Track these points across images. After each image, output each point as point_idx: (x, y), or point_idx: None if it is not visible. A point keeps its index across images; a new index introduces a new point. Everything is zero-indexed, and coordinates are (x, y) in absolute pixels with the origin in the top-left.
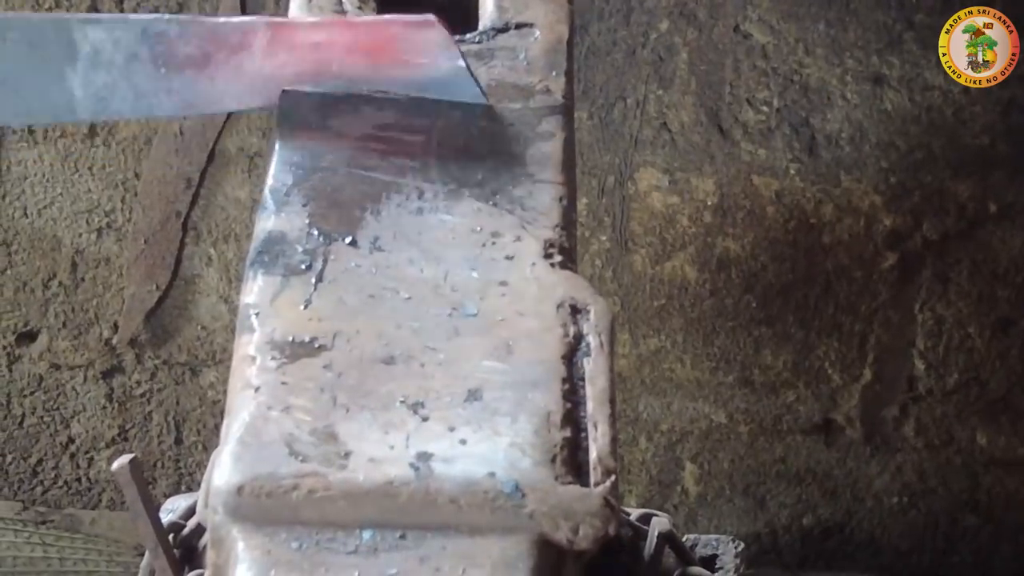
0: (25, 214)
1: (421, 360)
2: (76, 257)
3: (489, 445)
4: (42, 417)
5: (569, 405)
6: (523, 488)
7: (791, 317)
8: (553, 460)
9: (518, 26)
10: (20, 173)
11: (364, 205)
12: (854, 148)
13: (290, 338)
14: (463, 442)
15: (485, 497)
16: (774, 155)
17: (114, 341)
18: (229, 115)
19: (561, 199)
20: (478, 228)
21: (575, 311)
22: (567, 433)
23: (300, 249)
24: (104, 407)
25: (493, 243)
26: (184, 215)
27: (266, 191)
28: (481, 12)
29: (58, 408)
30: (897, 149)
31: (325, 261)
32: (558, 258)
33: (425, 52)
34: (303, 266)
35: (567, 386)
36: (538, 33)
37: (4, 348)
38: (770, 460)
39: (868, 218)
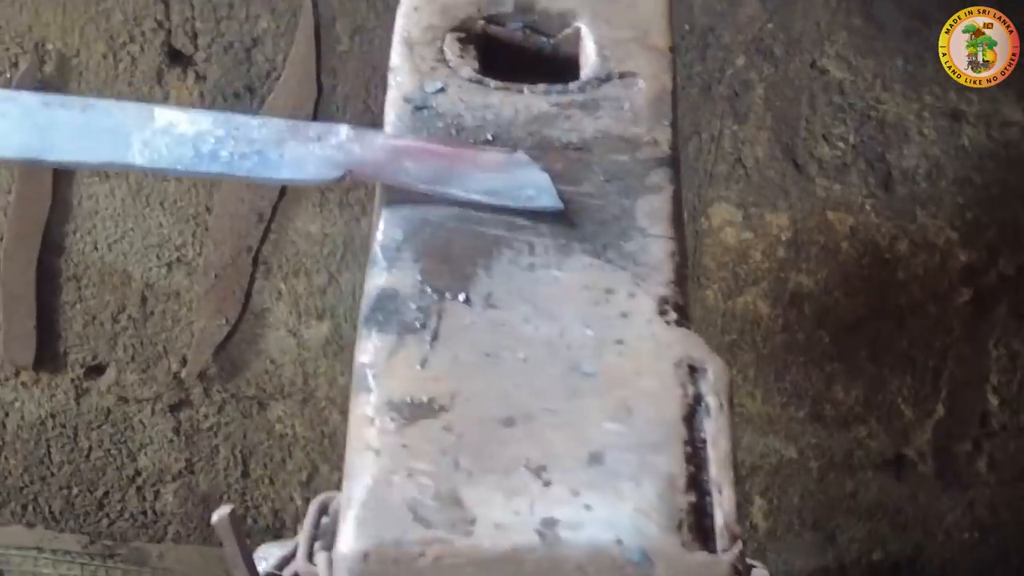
0: (95, 248)
1: (541, 421)
2: (146, 291)
3: (614, 510)
4: (109, 450)
5: (692, 468)
6: (651, 555)
7: (863, 352)
8: (679, 526)
9: (621, 76)
10: (91, 208)
11: (475, 260)
12: (930, 184)
13: (408, 399)
14: (588, 507)
15: (613, 565)
16: (849, 190)
17: (182, 375)
18: None
19: (673, 254)
20: (591, 284)
21: (693, 370)
22: (691, 498)
23: (414, 306)
24: (171, 440)
25: (607, 300)
26: (255, 249)
27: (376, 246)
28: (583, 61)
29: (125, 441)
30: (974, 185)
31: (439, 318)
32: (673, 315)
33: (501, 165)
34: (418, 324)
35: (689, 449)
36: (642, 83)
37: (72, 382)
38: (840, 495)
39: (943, 253)
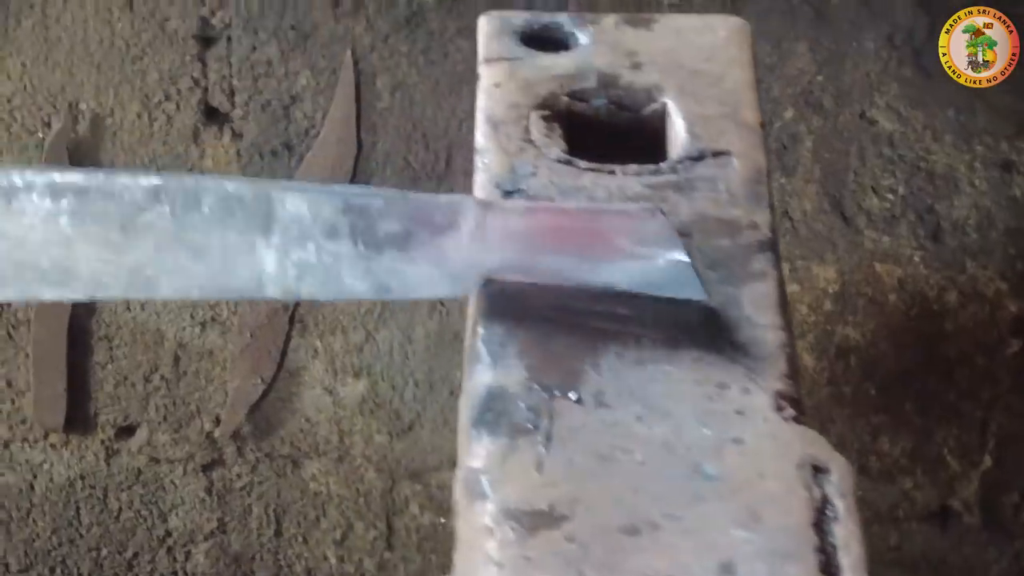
0: (128, 308)
1: (666, 529)
2: (179, 351)
3: None
4: (139, 511)
5: None
6: None
7: (910, 404)
8: None
9: (714, 154)
10: None
11: (582, 356)
12: (980, 235)
13: (527, 507)
14: None
15: None
16: (898, 242)
17: (215, 434)
18: None
19: (784, 346)
20: (703, 379)
21: (816, 471)
22: None
23: (523, 406)
24: (203, 500)
25: (721, 396)
26: (291, 308)
27: (478, 342)
28: (671, 139)
29: (156, 502)
30: None
31: (551, 419)
32: (790, 411)
33: (643, 245)
34: (529, 425)
35: (822, 557)
36: (736, 162)
37: (103, 443)
38: (884, 547)
39: (993, 304)
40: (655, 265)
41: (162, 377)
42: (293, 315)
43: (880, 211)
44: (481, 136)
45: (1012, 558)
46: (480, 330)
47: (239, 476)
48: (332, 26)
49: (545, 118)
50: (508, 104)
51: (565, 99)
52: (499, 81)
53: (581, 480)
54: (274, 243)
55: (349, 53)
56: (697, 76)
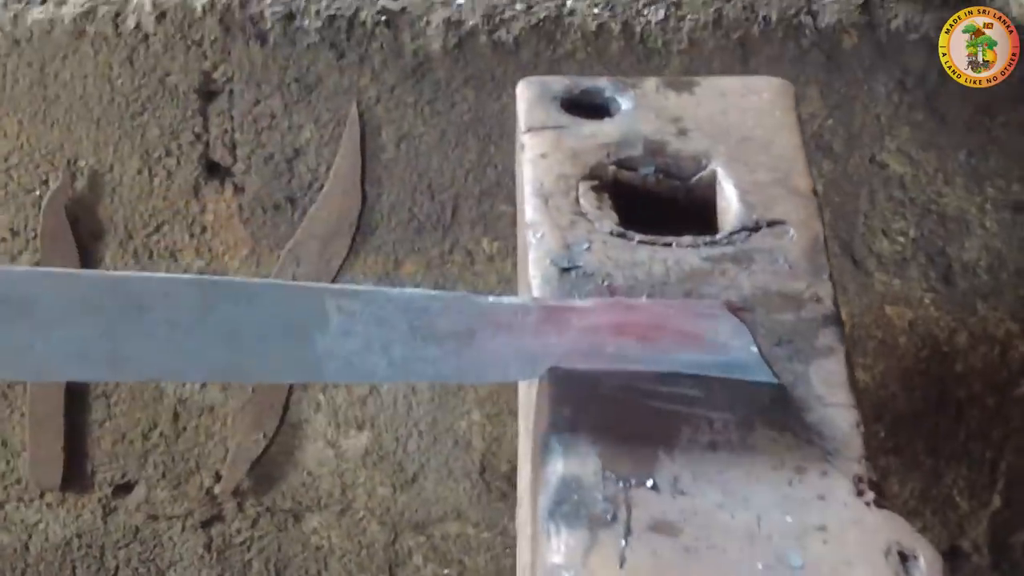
0: None
1: None
2: (179, 407)
3: None
4: (136, 569)
5: None
6: None
7: (920, 445)
8: None
9: (770, 224)
10: None
11: (654, 440)
12: (992, 276)
13: None
14: None
15: None
16: (909, 285)
17: (215, 490)
18: (346, 258)
19: (858, 424)
20: (779, 463)
21: (903, 558)
22: None
23: (600, 496)
24: (202, 556)
25: (799, 480)
26: None
27: (547, 428)
28: (723, 209)
29: (154, 559)
30: None
31: (629, 509)
32: (870, 495)
33: (710, 338)
34: (608, 516)
35: None
36: (792, 232)
37: (100, 501)
38: None
39: (1003, 345)
40: (724, 355)
41: (161, 434)
42: None
43: (891, 254)
44: (531, 209)
45: None
46: (548, 416)
47: (239, 531)
48: (336, 78)
49: (594, 188)
50: (556, 175)
51: (612, 168)
52: (545, 151)
53: (667, 574)
54: (330, 337)
55: (354, 105)
56: (745, 142)
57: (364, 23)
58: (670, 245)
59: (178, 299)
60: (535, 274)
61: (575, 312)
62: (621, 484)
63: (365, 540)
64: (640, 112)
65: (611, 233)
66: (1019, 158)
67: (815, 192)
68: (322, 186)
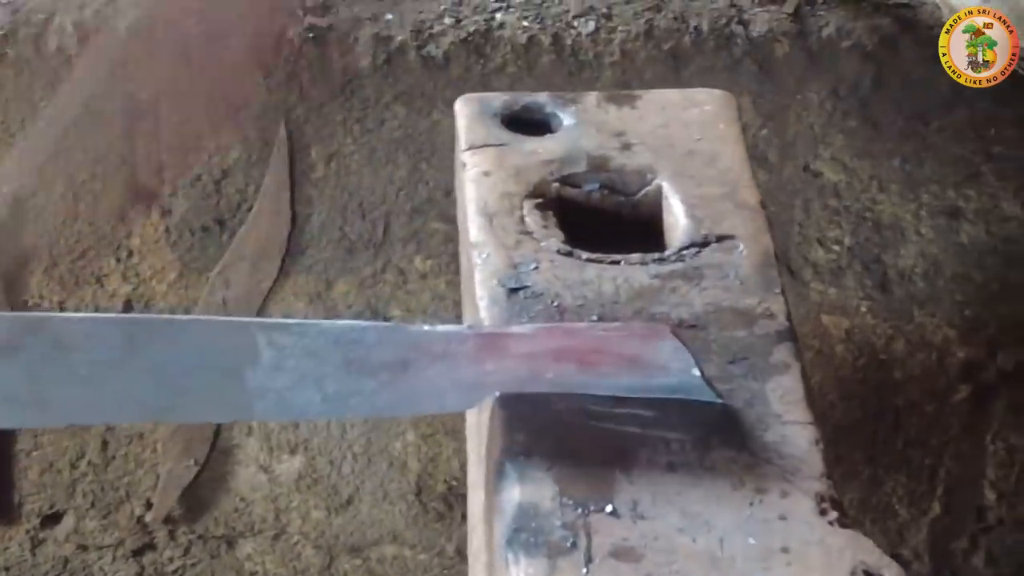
0: None
1: None
2: (107, 435)
3: None
4: None
5: None
6: None
7: (859, 454)
8: None
9: (719, 239)
10: None
11: (611, 463)
12: (928, 283)
13: None
14: None
15: None
16: (845, 293)
17: (147, 519)
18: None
19: (817, 442)
20: (739, 483)
21: None
22: None
23: (558, 523)
24: None
25: (760, 501)
26: None
27: (500, 455)
28: (670, 224)
29: None
30: (972, 282)
31: (588, 536)
32: (833, 514)
33: (651, 361)
34: (567, 543)
35: None
36: (742, 246)
37: (27, 532)
38: None
39: (941, 352)
40: (665, 378)
41: (89, 462)
42: None
43: (826, 263)
44: (476, 229)
45: None
46: (501, 442)
47: (171, 560)
48: (264, 97)
49: (539, 206)
50: (500, 193)
51: (556, 185)
52: (488, 169)
53: None
54: (260, 373)
55: (282, 124)
56: (690, 156)
57: (291, 40)
58: (618, 263)
59: (101, 339)
60: (482, 295)
61: (512, 339)
62: (579, 510)
63: (300, 565)
64: (582, 127)
65: (558, 252)
66: (953, 164)
67: (763, 205)
68: (251, 207)
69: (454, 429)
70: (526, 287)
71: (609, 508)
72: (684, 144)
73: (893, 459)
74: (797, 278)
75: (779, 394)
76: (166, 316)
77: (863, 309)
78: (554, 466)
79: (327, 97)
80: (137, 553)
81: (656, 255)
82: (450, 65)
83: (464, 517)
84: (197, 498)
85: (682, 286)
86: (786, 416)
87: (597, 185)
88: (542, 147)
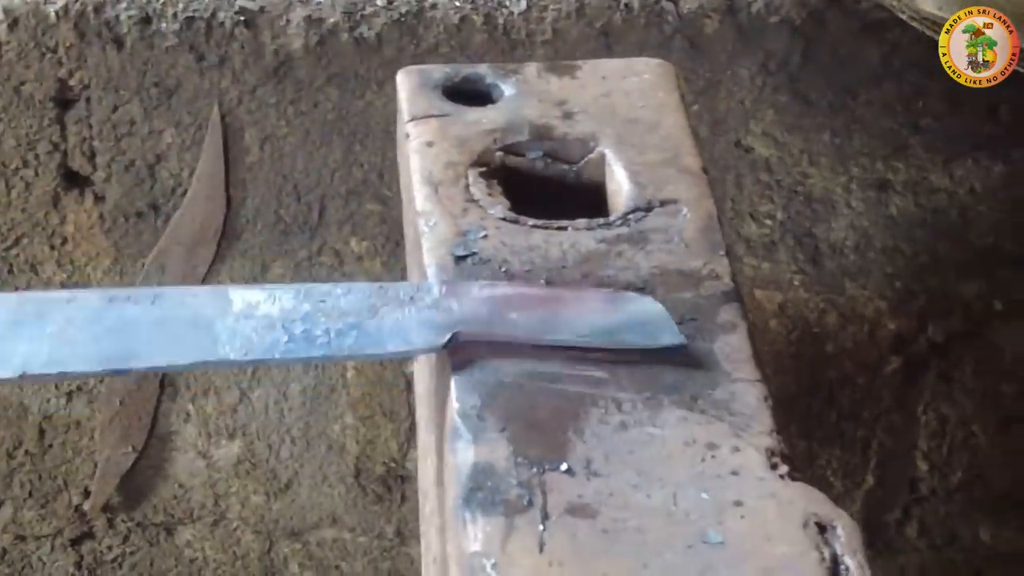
0: None
1: None
2: (44, 424)
3: None
4: None
5: None
6: None
7: (793, 429)
8: None
9: (663, 203)
10: None
11: (564, 424)
12: (859, 256)
13: None
14: None
15: None
16: (778, 268)
17: (85, 507)
18: (212, 264)
19: (766, 398)
20: (690, 440)
21: (822, 529)
22: None
23: (514, 482)
24: (73, 575)
25: (712, 456)
26: (161, 373)
27: (455, 416)
28: (614, 191)
29: None
30: (903, 254)
31: (544, 494)
32: (784, 468)
33: (617, 305)
34: (523, 502)
35: None
36: (686, 210)
37: None
38: None
39: (872, 324)
40: (626, 313)
41: (26, 452)
42: (163, 379)
43: (759, 237)
44: (422, 198)
45: (897, 574)
46: (455, 404)
47: (110, 548)
48: (197, 81)
49: (483, 175)
50: (445, 163)
51: (500, 154)
52: (432, 140)
53: (588, 558)
54: (230, 321)
55: (215, 107)
56: (632, 123)
57: (223, 24)
58: (565, 228)
59: (78, 302)
60: (430, 263)
61: (477, 286)
62: (534, 469)
63: (240, 550)
64: (523, 98)
65: (504, 219)
66: (882, 137)
67: (705, 170)
68: (185, 192)
69: (392, 411)
70: (474, 254)
71: (564, 467)
72: (625, 112)
73: (827, 432)
74: (730, 253)
75: (727, 353)
76: (147, 287)
77: (796, 283)
78: (508, 427)
79: (260, 80)
80: (76, 542)
81: (601, 220)
82: (383, 46)
83: (404, 499)
84: (135, 485)
85: (628, 250)
86: (735, 374)
87: (540, 153)
88: (484, 117)
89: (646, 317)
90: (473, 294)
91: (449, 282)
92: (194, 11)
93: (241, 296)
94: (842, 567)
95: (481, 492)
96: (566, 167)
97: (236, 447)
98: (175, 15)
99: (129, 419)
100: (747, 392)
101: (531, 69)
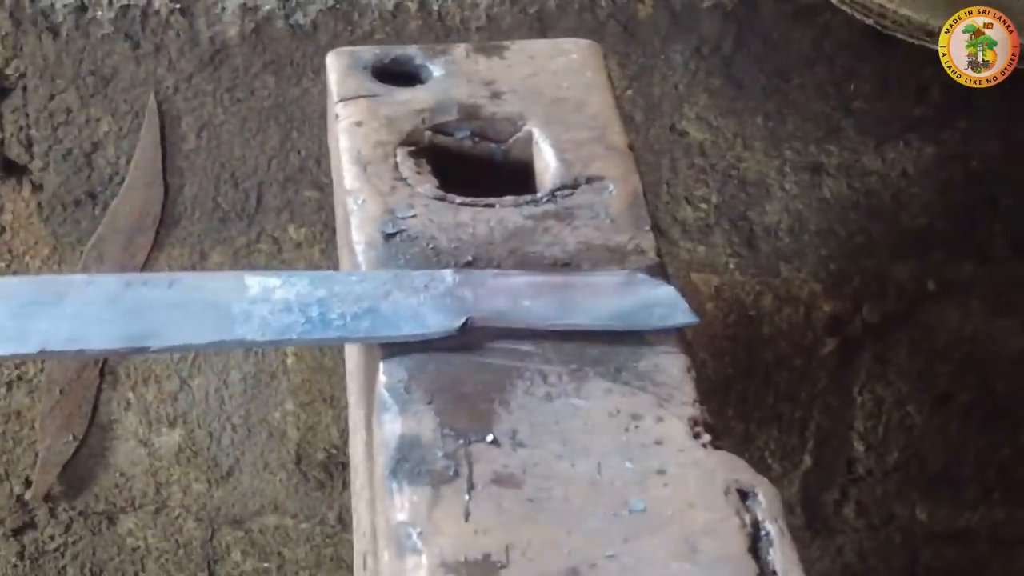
0: None
1: (606, 569)
2: None
3: None
4: None
5: None
6: None
7: (731, 411)
8: None
9: (589, 180)
10: None
11: (490, 396)
12: (793, 238)
13: (463, 557)
14: None
15: None
16: (713, 251)
17: (26, 497)
18: (151, 252)
19: (689, 369)
20: (615, 411)
21: (743, 495)
22: None
23: (440, 453)
24: (15, 566)
25: (636, 427)
26: (101, 361)
27: (382, 389)
28: (541, 169)
29: None
30: (836, 236)
31: (470, 465)
32: (706, 437)
33: (629, 289)
34: (450, 472)
35: None
36: (612, 187)
37: None
38: None
39: (807, 306)
40: (638, 296)
41: None
42: (103, 368)
43: (694, 221)
44: (351, 177)
45: (835, 554)
46: (383, 378)
47: (52, 538)
48: (133, 69)
49: (412, 154)
50: (374, 142)
51: (428, 133)
52: (361, 119)
53: (512, 525)
54: (247, 304)
55: (152, 95)
56: (559, 102)
57: (158, 12)
58: (492, 206)
59: (97, 285)
60: (359, 240)
61: (491, 275)
62: (461, 440)
63: (182, 538)
64: (452, 78)
65: (432, 197)
66: (815, 120)
67: (631, 147)
68: (123, 180)
69: (332, 397)
70: (402, 231)
71: (490, 438)
72: (553, 92)
73: (764, 414)
74: (666, 237)
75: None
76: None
77: (731, 266)
78: (435, 400)
79: (196, 68)
80: (17, 532)
81: (528, 197)
82: (318, 33)
83: (345, 485)
84: (77, 474)
85: (555, 226)
86: (659, 346)
87: (469, 133)
88: (414, 97)
89: (659, 299)
90: (487, 282)
91: (463, 271)
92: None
93: (257, 281)
94: (763, 532)
95: (408, 463)
96: (494, 146)
97: (177, 435)
98: (110, 3)
99: (70, 408)
100: (671, 364)
101: (460, 50)
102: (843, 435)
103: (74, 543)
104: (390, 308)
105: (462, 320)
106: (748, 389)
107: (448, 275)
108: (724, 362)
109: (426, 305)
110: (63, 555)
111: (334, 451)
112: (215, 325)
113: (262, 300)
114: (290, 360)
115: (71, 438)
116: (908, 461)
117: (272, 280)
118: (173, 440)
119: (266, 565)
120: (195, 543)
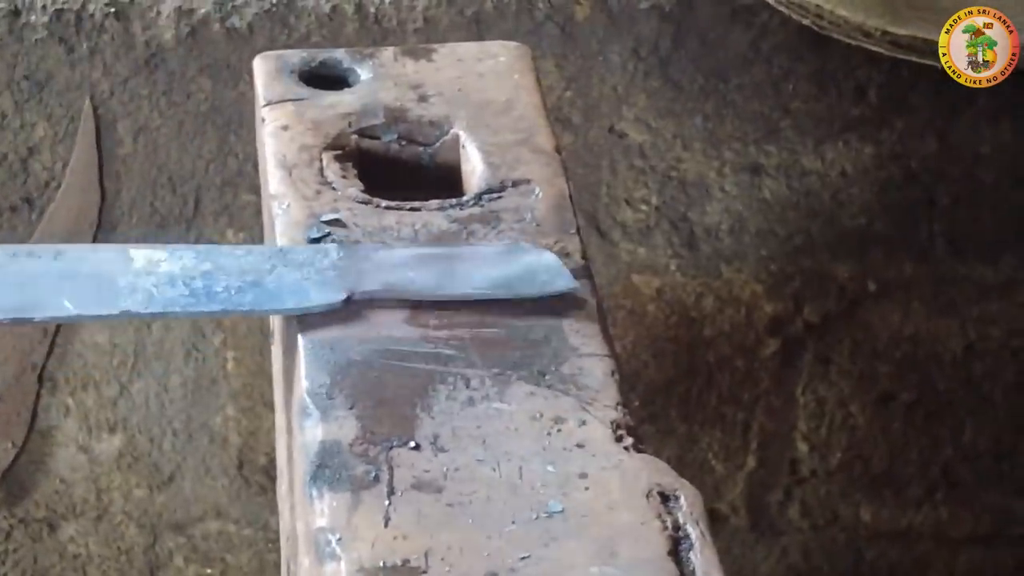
0: None
1: (524, 573)
2: None
3: None
4: None
5: None
6: None
7: (674, 412)
8: None
9: (515, 183)
10: None
11: (413, 401)
12: (734, 239)
13: (380, 563)
14: None
15: None
16: (654, 252)
17: None
18: None
19: (613, 372)
20: (538, 415)
21: (664, 498)
22: None
23: (361, 459)
24: None
25: (558, 430)
26: (40, 366)
27: (303, 395)
28: (468, 172)
29: None
30: (776, 236)
31: (391, 470)
32: (629, 440)
33: (512, 257)
34: (370, 477)
35: None
36: (538, 190)
37: None
38: None
39: (749, 307)
40: (520, 263)
41: None
42: (42, 374)
43: (634, 223)
44: (275, 181)
45: (780, 555)
46: (304, 383)
47: None
48: (68, 73)
49: (338, 158)
50: (299, 146)
51: (355, 137)
52: (286, 123)
53: (432, 530)
54: (131, 276)
55: (87, 99)
56: (486, 105)
57: (93, 16)
58: (418, 209)
59: None
60: (281, 244)
61: (374, 247)
62: (382, 446)
63: (124, 545)
64: (379, 81)
65: (357, 201)
66: (753, 120)
67: (558, 150)
68: (59, 185)
69: (273, 401)
70: (327, 235)
71: (411, 443)
72: (480, 94)
73: (707, 415)
74: (606, 239)
75: (575, 328)
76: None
77: (672, 267)
78: (356, 405)
79: (132, 71)
80: None
81: (454, 201)
82: (254, 36)
83: None
84: (16, 481)
85: (480, 229)
86: (583, 349)
87: (395, 136)
88: (340, 101)
89: (540, 266)
90: (371, 256)
91: (347, 245)
92: (64, 3)
93: (143, 254)
94: (684, 535)
95: (328, 469)
96: (421, 149)
97: (117, 441)
98: (44, 7)
99: (8, 414)
100: (594, 367)
101: (388, 53)
102: (786, 436)
103: (15, 551)
104: (274, 282)
105: (346, 294)
106: (690, 390)
107: (332, 249)
108: (666, 363)
109: (310, 279)
110: (3, 563)
111: (276, 456)
112: (100, 297)
113: (147, 273)
114: (230, 364)
115: (10, 445)
116: (851, 461)
117: (158, 253)
118: (113, 446)
119: (209, 571)
120: (137, 549)
